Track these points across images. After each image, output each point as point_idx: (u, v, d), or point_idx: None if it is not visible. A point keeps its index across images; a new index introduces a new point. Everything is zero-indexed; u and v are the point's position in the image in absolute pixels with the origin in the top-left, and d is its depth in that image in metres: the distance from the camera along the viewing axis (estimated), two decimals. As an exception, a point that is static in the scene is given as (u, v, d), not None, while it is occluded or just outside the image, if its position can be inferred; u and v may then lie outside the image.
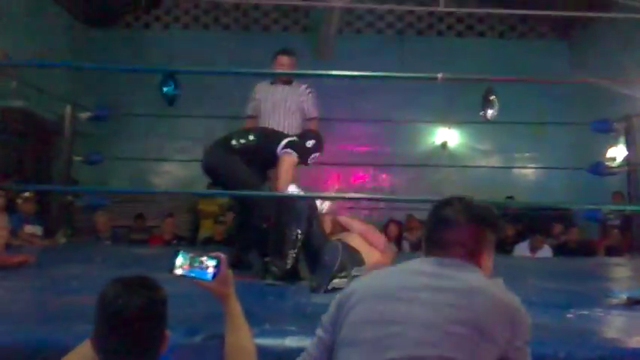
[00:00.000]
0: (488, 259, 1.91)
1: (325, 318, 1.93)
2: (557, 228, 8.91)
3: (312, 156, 4.61)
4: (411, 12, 11.68)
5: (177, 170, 11.30)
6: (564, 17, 9.83)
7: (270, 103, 5.49)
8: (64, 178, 7.15)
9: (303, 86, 5.60)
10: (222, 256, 2.09)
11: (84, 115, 7.28)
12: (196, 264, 2.05)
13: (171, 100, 9.79)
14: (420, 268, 1.84)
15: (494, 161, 11.43)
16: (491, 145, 11.56)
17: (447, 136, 11.60)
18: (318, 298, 3.34)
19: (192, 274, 2.05)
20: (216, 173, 4.44)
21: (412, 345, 1.65)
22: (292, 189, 4.27)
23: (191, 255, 2.06)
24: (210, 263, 2.06)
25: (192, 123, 10.49)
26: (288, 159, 4.39)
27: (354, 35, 11.86)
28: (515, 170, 11.43)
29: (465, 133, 11.67)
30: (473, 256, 1.85)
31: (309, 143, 4.56)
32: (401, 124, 10.70)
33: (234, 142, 4.44)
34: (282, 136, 4.59)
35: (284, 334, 2.37)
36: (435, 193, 10.55)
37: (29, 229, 6.90)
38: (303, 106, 5.54)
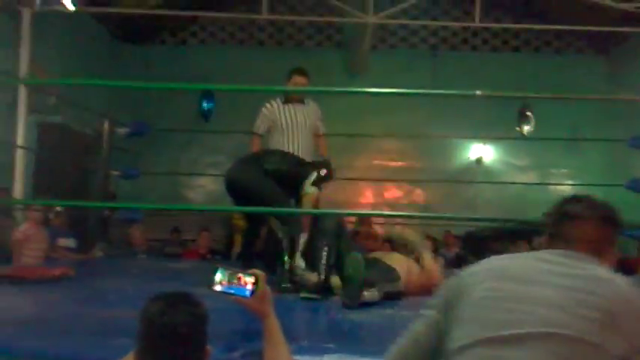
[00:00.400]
0: (611, 257, 1.89)
1: (436, 298, 1.90)
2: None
3: (323, 184, 4.86)
4: (445, 27, 11.65)
5: (210, 184, 11.38)
6: (601, 32, 9.73)
7: (290, 122, 5.61)
8: (102, 192, 7.25)
9: (315, 104, 5.78)
10: (261, 273, 2.10)
11: (122, 131, 7.39)
12: (235, 281, 2.06)
13: (207, 116, 9.89)
14: (545, 256, 1.82)
15: (530, 177, 11.29)
16: (527, 161, 11.45)
17: (482, 152, 11.51)
18: (354, 315, 3.33)
19: (231, 291, 2.07)
20: (246, 192, 4.55)
21: (541, 323, 1.62)
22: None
23: (230, 272, 2.08)
24: (248, 280, 2.07)
25: (226, 138, 10.57)
26: (312, 196, 4.70)
27: (387, 50, 11.86)
28: (552, 187, 11.29)
29: (501, 149, 11.58)
30: (597, 253, 1.83)
31: (323, 172, 4.80)
32: (435, 140, 10.66)
33: (267, 166, 4.64)
34: (308, 167, 4.86)
35: (322, 351, 2.36)
36: (470, 209, 10.56)
37: (63, 242, 6.99)
38: (317, 124, 5.77)
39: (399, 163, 11.19)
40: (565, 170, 11.37)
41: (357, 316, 3.31)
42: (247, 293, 2.06)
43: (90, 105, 8.83)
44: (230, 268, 2.09)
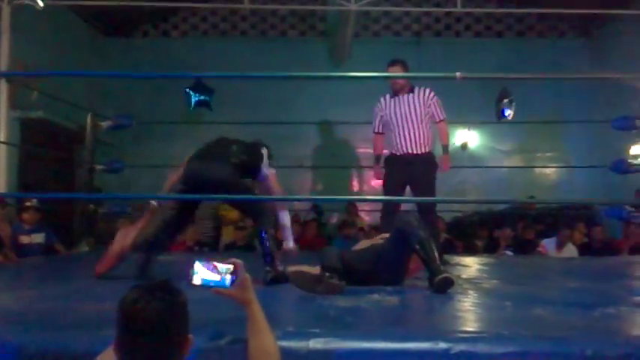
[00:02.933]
0: None
1: None
2: (580, 227, 8.80)
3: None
4: (428, 13, 11.65)
5: (197, 177, 11.35)
6: (584, 15, 9.75)
7: (398, 116, 5.71)
8: (87, 186, 7.21)
9: (426, 90, 5.78)
10: (239, 262, 2.10)
11: (105, 124, 7.34)
12: (214, 272, 2.07)
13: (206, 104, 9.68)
14: None
15: (515, 161, 11.34)
16: (512, 145, 11.48)
17: (467, 137, 11.53)
18: (340, 300, 3.34)
19: (211, 283, 2.08)
20: (219, 186, 4.33)
21: None
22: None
23: (208, 264, 2.08)
24: (227, 270, 2.08)
25: (210, 130, 10.51)
26: (273, 176, 4.61)
27: (371, 39, 11.84)
28: (537, 170, 11.34)
29: (485, 134, 11.60)
30: None
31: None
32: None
33: (233, 159, 4.44)
34: (260, 149, 4.65)
35: (308, 336, 2.36)
36: (457, 194, 10.58)
37: (24, 239, 6.78)
38: (431, 111, 5.75)
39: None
40: (550, 153, 11.43)
41: (343, 301, 3.31)
42: (227, 283, 2.07)
43: (72, 100, 8.77)
44: (208, 260, 2.10)
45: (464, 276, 4.79)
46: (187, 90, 7.82)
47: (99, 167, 7.37)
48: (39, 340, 2.42)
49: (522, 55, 11.03)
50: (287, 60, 10.52)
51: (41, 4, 5.80)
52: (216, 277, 2.07)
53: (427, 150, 5.75)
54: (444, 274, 3.72)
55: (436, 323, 2.83)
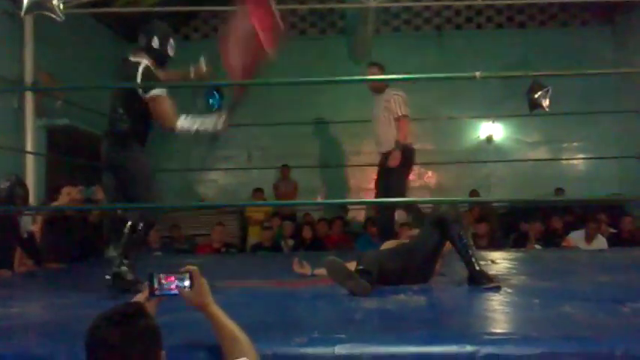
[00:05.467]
0: None
1: None
2: (602, 218, 8.61)
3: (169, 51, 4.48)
4: (449, 6, 11.54)
5: (222, 179, 11.40)
6: (607, 2, 9.61)
7: (373, 115, 6.37)
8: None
9: (390, 90, 6.27)
10: (194, 268, 2.18)
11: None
12: (171, 282, 2.15)
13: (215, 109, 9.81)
14: None
15: (542, 153, 11.21)
16: (538, 137, 11.36)
17: (492, 130, 11.43)
18: (366, 303, 3.32)
19: (171, 293, 2.15)
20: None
21: None
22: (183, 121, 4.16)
23: (165, 275, 2.16)
24: (183, 278, 2.16)
25: (235, 131, 10.55)
26: (159, 99, 4.18)
27: (392, 34, 11.78)
28: (564, 161, 11.21)
29: (510, 126, 11.49)
30: None
31: (155, 43, 4.37)
32: (444, 120, 10.56)
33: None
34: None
35: (333, 342, 2.35)
36: (483, 188, 10.50)
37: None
38: (391, 108, 6.19)
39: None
40: (577, 144, 11.30)
41: (368, 303, 3.30)
42: (185, 289, 2.15)
43: (97, 104, 8.84)
44: (163, 272, 2.17)
45: (492, 272, 4.74)
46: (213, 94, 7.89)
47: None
48: (65, 350, 2.43)
49: (545, 45, 10.89)
50: (307, 59, 10.49)
51: (61, 15, 5.80)
52: (173, 286, 2.15)
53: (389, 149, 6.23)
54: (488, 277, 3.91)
55: (463, 325, 2.80)
